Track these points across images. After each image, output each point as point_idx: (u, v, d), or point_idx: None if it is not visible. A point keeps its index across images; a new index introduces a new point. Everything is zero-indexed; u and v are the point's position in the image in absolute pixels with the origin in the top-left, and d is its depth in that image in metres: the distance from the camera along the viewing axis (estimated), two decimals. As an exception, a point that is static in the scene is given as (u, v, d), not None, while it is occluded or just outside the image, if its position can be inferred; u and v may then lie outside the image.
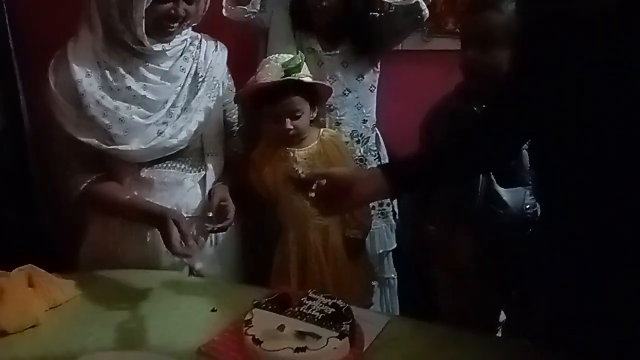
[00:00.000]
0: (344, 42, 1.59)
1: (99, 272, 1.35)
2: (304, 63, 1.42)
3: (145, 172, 1.38)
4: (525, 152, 1.30)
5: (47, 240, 2.21)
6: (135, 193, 1.37)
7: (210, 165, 1.45)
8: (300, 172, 1.30)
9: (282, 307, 1.09)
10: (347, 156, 1.52)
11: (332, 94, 1.52)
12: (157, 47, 1.34)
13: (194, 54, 1.42)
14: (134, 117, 1.33)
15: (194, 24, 1.41)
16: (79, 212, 1.46)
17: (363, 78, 1.63)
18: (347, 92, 1.60)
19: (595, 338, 0.92)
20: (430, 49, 1.73)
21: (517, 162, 1.32)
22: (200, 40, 1.45)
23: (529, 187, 1.35)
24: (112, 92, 1.32)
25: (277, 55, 1.43)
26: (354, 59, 1.60)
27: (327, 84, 1.51)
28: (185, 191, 1.42)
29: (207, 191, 1.44)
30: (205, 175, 1.45)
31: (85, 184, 1.35)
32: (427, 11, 1.53)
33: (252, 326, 1.03)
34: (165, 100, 1.37)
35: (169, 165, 1.40)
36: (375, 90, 1.67)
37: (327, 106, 1.57)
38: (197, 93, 1.40)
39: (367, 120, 1.66)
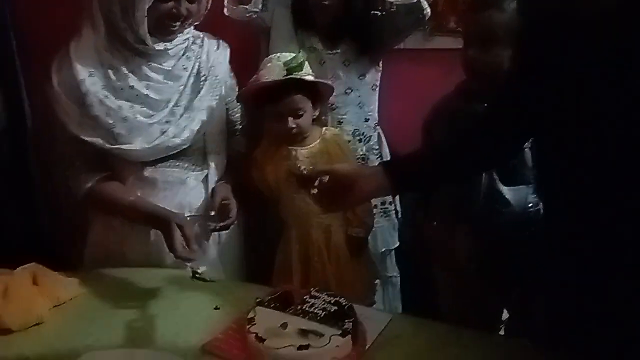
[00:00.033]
0: (345, 41, 1.59)
1: (102, 271, 1.35)
2: (306, 61, 1.42)
3: (148, 171, 1.38)
4: (528, 150, 1.30)
5: (47, 240, 2.22)
6: (139, 192, 1.38)
7: (212, 164, 1.45)
8: (302, 168, 1.32)
9: (284, 305, 1.09)
10: (349, 155, 1.52)
11: (334, 93, 1.52)
12: (160, 46, 1.34)
13: (196, 52, 1.42)
14: (137, 116, 1.33)
15: (196, 23, 1.42)
16: (79, 212, 1.47)
17: (365, 77, 1.63)
18: (348, 90, 1.60)
19: (596, 338, 0.92)
20: (432, 48, 1.73)
21: (520, 161, 1.32)
22: (203, 39, 1.46)
23: (531, 186, 1.35)
24: (115, 91, 1.33)
25: (279, 54, 1.43)
26: (356, 57, 1.60)
27: (329, 82, 1.52)
28: (188, 190, 1.42)
29: (209, 190, 1.45)
30: (208, 174, 1.45)
31: (89, 185, 1.35)
32: (428, 10, 1.53)
33: (255, 324, 1.03)
34: (168, 100, 1.37)
35: (172, 164, 1.41)
36: (377, 89, 1.67)
37: (329, 105, 1.57)
38: (199, 92, 1.40)
39: (369, 119, 1.66)
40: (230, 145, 1.53)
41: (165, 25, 1.32)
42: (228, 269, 1.48)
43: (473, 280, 1.41)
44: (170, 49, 1.37)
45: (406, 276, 1.75)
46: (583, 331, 0.95)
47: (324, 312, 1.06)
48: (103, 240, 1.43)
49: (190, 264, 1.25)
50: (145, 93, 1.34)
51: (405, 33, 1.61)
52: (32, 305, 1.13)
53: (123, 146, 1.32)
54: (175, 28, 1.34)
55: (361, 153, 1.65)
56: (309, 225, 1.45)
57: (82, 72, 1.31)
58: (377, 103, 1.68)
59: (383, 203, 1.66)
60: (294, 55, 1.41)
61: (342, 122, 1.61)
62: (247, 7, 1.53)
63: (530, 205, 1.35)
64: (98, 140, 1.31)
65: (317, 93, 1.45)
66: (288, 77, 1.38)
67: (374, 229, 1.58)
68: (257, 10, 1.55)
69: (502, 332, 1.49)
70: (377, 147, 1.69)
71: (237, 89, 1.52)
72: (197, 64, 1.42)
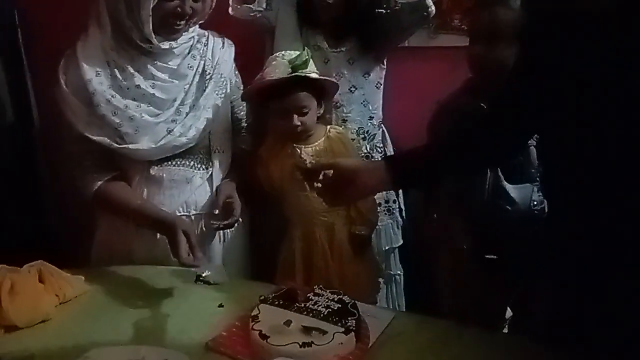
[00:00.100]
0: (350, 39, 1.59)
1: (108, 268, 1.36)
2: (311, 59, 1.42)
3: (154, 170, 1.39)
4: (533, 148, 1.30)
5: (54, 239, 2.23)
6: (145, 190, 1.39)
7: (216, 162, 1.46)
8: (307, 161, 1.34)
9: (288, 302, 1.10)
10: (353, 153, 1.52)
11: (339, 91, 1.52)
12: (165, 45, 1.35)
13: (201, 51, 1.43)
14: (143, 115, 1.34)
15: (200, 22, 1.42)
16: (87, 212, 1.47)
17: (369, 75, 1.62)
18: (353, 89, 1.60)
19: (596, 337, 0.93)
20: (437, 46, 1.72)
21: (525, 159, 1.32)
22: (208, 38, 1.46)
23: (536, 184, 1.35)
24: (121, 90, 1.34)
25: (283, 52, 1.44)
26: (360, 55, 1.60)
27: (334, 80, 1.52)
28: (194, 188, 1.43)
29: (214, 188, 1.45)
30: (212, 172, 1.46)
31: (97, 186, 1.36)
32: (433, 8, 1.52)
33: (259, 321, 1.04)
34: (174, 99, 1.38)
35: (178, 162, 1.41)
36: (382, 87, 1.67)
37: (334, 103, 1.57)
38: (204, 90, 1.41)
39: (373, 117, 1.66)
40: (236, 143, 1.53)
41: (170, 24, 1.33)
42: (232, 267, 1.49)
43: (475, 278, 1.41)
44: (176, 47, 1.37)
45: (410, 274, 1.74)
46: (584, 330, 0.95)
47: (327, 310, 1.06)
48: (110, 239, 1.44)
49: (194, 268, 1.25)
50: (152, 92, 1.35)
51: (410, 31, 1.61)
52: (38, 303, 1.14)
53: (130, 146, 1.33)
54: (180, 27, 1.35)
55: (365, 151, 1.65)
56: (313, 223, 1.45)
57: (89, 72, 1.32)
58: (381, 101, 1.68)
59: (387, 201, 1.66)
60: (299, 53, 1.41)
61: (346, 120, 1.61)
62: (252, 6, 1.53)
63: (534, 203, 1.35)
64: (105, 140, 1.32)
65: (322, 91, 1.46)
66: (293, 74, 1.38)
67: (377, 227, 1.59)
68: (262, 9, 1.55)
69: (505, 331, 1.49)
70: (381, 145, 1.69)
71: (242, 87, 1.53)
72: (203, 62, 1.42)
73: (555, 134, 0.96)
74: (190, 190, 1.42)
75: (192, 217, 1.43)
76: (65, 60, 1.35)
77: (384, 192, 1.64)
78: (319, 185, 1.15)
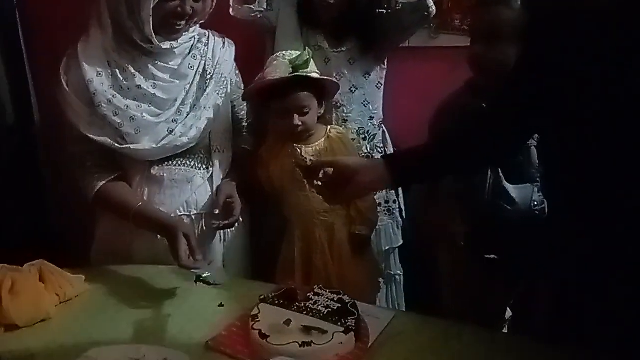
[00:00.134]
0: (350, 39, 1.59)
1: (108, 268, 1.37)
2: (312, 59, 1.42)
3: (155, 170, 1.39)
4: (534, 148, 1.30)
5: (55, 239, 2.23)
6: (146, 190, 1.39)
7: (216, 162, 1.46)
8: (307, 159, 1.34)
9: (288, 302, 1.10)
10: (353, 153, 1.52)
11: (339, 91, 1.52)
12: (165, 45, 1.35)
13: (202, 51, 1.43)
14: (144, 115, 1.34)
15: (201, 22, 1.42)
16: (88, 212, 1.47)
17: (370, 75, 1.62)
18: (353, 89, 1.60)
19: (597, 337, 0.93)
20: (437, 46, 1.72)
21: (525, 159, 1.32)
22: (208, 38, 1.46)
23: (537, 184, 1.35)
24: (122, 91, 1.34)
25: (284, 51, 1.44)
26: (361, 55, 1.59)
27: (335, 79, 1.52)
28: (195, 188, 1.43)
29: (215, 188, 1.45)
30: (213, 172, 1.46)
31: (99, 187, 1.36)
32: (434, 8, 1.52)
33: (259, 321, 1.04)
34: (175, 99, 1.38)
35: (179, 162, 1.41)
36: (382, 87, 1.67)
37: (334, 103, 1.57)
38: (205, 90, 1.41)
39: (373, 117, 1.66)
40: (237, 142, 1.54)
41: (170, 24, 1.33)
42: (233, 267, 1.49)
43: (475, 278, 1.41)
44: (176, 47, 1.38)
45: (410, 275, 1.74)
46: (584, 329, 0.96)
47: (327, 310, 1.07)
48: (110, 238, 1.45)
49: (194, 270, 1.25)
50: (153, 92, 1.36)
51: (411, 31, 1.61)
52: (38, 302, 1.14)
53: (131, 146, 1.33)
54: (180, 27, 1.35)
55: (366, 151, 1.65)
56: (313, 223, 1.45)
57: (90, 72, 1.32)
58: (382, 101, 1.68)
59: (387, 201, 1.66)
60: (300, 53, 1.41)
61: (347, 120, 1.61)
62: (252, 6, 1.54)
63: (535, 203, 1.35)
64: (106, 140, 1.33)
65: (322, 91, 1.46)
66: (294, 74, 1.39)
67: (378, 227, 1.59)
68: (262, 9, 1.55)
69: (505, 330, 1.49)
70: (381, 145, 1.69)
71: (242, 87, 1.53)
72: (203, 62, 1.43)
73: (556, 134, 0.96)
74: (191, 190, 1.43)
75: (193, 216, 1.43)
76: (66, 60, 1.36)
77: (384, 193, 1.65)
78: (319, 183, 1.15)
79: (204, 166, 1.45)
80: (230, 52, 1.49)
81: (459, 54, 1.41)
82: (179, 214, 1.41)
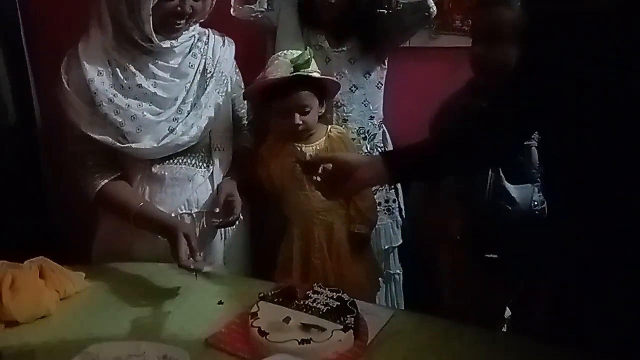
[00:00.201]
0: (351, 39, 1.59)
1: (108, 265, 1.37)
2: (313, 59, 1.43)
3: (156, 168, 1.40)
4: (534, 149, 1.30)
5: (56, 238, 2.23)
6: (147, 188, 1.39)
7: (217, 161, 1.46)
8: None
9: (287, 300, 1.10)
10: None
11: (339, 91, 1.52)
12: (166, 44, 1.36)
13: (202, 50, 1.44)
14: (145, 114, 1.35)
15: (200, 21, 1.43)
16: (89, 211, 1.47)
17: (370, 75, 1.63)
18: (354, 88, 1.61)
19: (596, 337, 0.93)
20: (438, 46, 1.72)
21: (526, 159, 1.32)
22: (208, 36, 1.47)
23: (537, 184, 1.35)
24: (123, 90, 1.34)
25: (285, 51, 1.44)
26: (361, 55, 1.60)
27: (336, 79, 1.52)
28: (196, 187, 1.43)
29: (215, 186, 1.46)
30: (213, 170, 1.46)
31: (100, 186, 1.37)
32: (434, 8, 1.52)
33: (258, 318, 1.04)
34: (176, 97, 1.39)
35: (180, 161, 1.42)
36: (383, 87, 1.67)
37: (334, 102, 1.58)
38: (206, 89, 1.42)
39: (374, 117, 1.66)
40: (237, 141, 1.54)
41: (170, 23, 1.34)
42: (233, 265, 1.50)
43: (475, 278, 1.41)
44: (177, 46, 1.38)
45: (409, 274, 1.74)
46: (584, 330, 0.96)
47: (326, 308, 1.07)
48: (111, 239, 1.45)
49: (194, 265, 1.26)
50: (153, 91, 1.36)
51: (411, 31, 1.61)
52: (39, 298, 1.14)
53: (132, 145, 1.34)
54: (180, 26, 1.35)
55: (366, 151, 1.65)
56: (312, 222, 1.46)
57: (91, 72, 1.33)
58: (382, 101, 1.68)
59: (387, 201, 1.67)
60: (301, 52, 1.42)
61: (347, 119, 1.61)
62: (253, 6, 1.54)
63: (535, 203, 1.35)
64: (108, 139, 1.33)
65: (323, 90, 1.46)
66: (295, 73, 1.39)
67: (377, 227, 1.59)
68: (263, 9, 1.56)
69: (504, 329, 1.49)
70: (381, 145, 1.69)
71: (242, 85, 1.54)
72: (204, 60, 1.43)
73: (556, 134, 0.97)
74: (192, 189, 1.43)
75: (194, 215, 1.43)
76: (67, 60, 1.36)
77: (384, 192, 1.65)
78: (318, 178, 1.16)
79: (205, 164, 1.45)
80: (230, 50, 1.49)
81: (459, 55, 1.41)
82: (180, 212, 1.42)
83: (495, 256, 1.38)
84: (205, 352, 1.02)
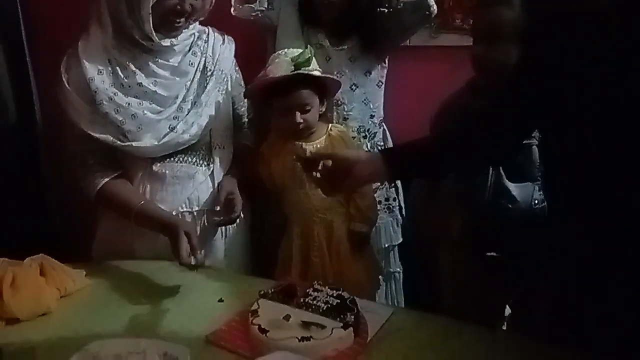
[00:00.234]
0: (351, 38, 1.60)
1: (109, 263, 1.38)
2: (314, 57, 1.43)
3: (157, 167, 1.40)
4: (535, 147, 1.30)
5: (57, 236, 2.23)
6: (148, 187, 1.40)
7: (217, 159, 1.47)
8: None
9: (288, 297, 1.11)
10: (354, 152, 1.53)
11: (340, 89, 1.52)
12: (166, 43, 1.36)
13: (202, 48, 1.44)
14: (146, 112, 1.35)
15: (200, 19, 1.43)
16: (89, 209, 1.48)
17: (370, 73, 1.63)
18: (354, 87, 1.61)
19: (596, 337, 0.93)
20: (438, 45, 1.72)
21: (526, 158, 1.32)
22: (208, 34, 1.47)
23: (538, 183, 1.35)
24: (123, 88, 1.34)
25: (286, 49, 1.45)
26: (362, 54, 1.60)
27: (336, 77, 1.52)
28: (196, 185, 1.44)
29: (216, 184, 1.46)
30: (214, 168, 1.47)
31: (100, 185, 1.37)
32: (435, 7, 1.53)
33: (258, 316, 1.05)
34: (176, 96, 1.39)
35: (181, 159, 1.42)
36: (383, 85, 1.67)
37: (335, 101, 1.58)
38: (206, 87, 1.42)
39: (374, 116, 1.66)
40: (237, 139, 1.54)
41: (170, 22, 1.34)
42: (234, 262, 1.50)
43: (475, 277, 1.41)
44: (176, 44, 1.38)
45: (409, 272, 1.74)
46: (584, 330, 0.96)
47: (326, 305, 1.07)
48: (112, 236, 1.45)
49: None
50: (153, 89, 1.36)
51: (412, 30, 1.61)
52: (39, 296, 1.15)
53: (133, 143, 1.34)
54: (179, 24, 1.35)
55: (366, 149, 1.65)
56: (312, 221, 1.46)
57: (91, 71, 1.33)
58: (382, 100, 1.68)
59: (387, 199, 1.67)
60: (302, 50, 1.42)
61: (347, 118, 1.61)
62: (253, 6, 1.54)
63: (536, 202, 1.35)
64: (108, 138, 1.33)
65: (324, 88, 1.47)
66: (296, 72, 1.39)
67: (377, 225, 1.59)
68: (263, 8, 1.56)
69: (504, 328, 1.49)
70: (382, 143, 1.69)
71: (242, 83, 1.54)
72: (204, 59, 1.43)
73: (556, 134, 0.97)
74: (193, 187, 1.43)
75: (195, 213, 1.44)
76: (67, 59, 1.36)
77: (384, 191, 1.65)
78: (318, 175, 1.16)
79: (205, 163, 1.46)
80: (230, 48, 1.50)
81: (459, 54, 1.41)
82: (181, 210, 1.42)
83: (496, 254, 1.38)
84: (205, 349, 1.03)
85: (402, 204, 1.72)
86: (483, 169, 1.32)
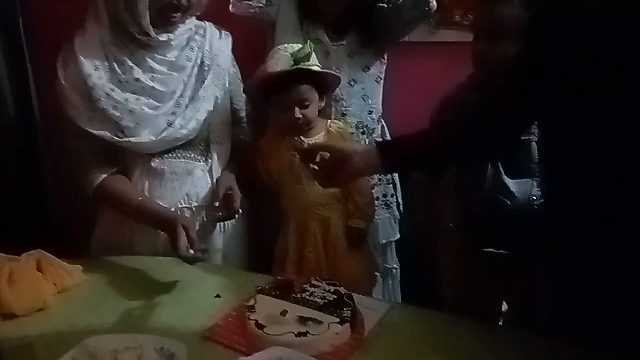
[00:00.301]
0: (350, 33, 1.59)
1: (106, 258, 1.38)
2: (313, 52, 1.42)
3: (155, 163, 1.40)
4: (534, 144, 1.30)
5: (55, 232, 2.24)
6: (147, 183, 1.40)
7: (215, 154, 1.47)
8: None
9: (285, 293, 1.11)
10: (352, 148, 1.53)
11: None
12: (163, 37, 1.36)
13: (199, 43, 1.44)
14: (143, 108, 1.35)
15: (197, 14, 1.42)
16: (88, 205, 1.48)
17: (369, 69, 1.62)
18: (353, 82, 1.60)
19: (596, 332, 0.93)
20: (437, 41, 1.72)
21: (525, 154, 1.32)
22: (205, 29, 1.47)
23: (536, 179, 1.35)
24: (121, 84, 1.34)
25: (286, 44, 1.44)
26: (361, 49, 1.59)
27: (336, 73, 1.52)
28: (195, 180, 1.44)
29: (214, 180, 1.46)
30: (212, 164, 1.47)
31: (99, 181, 1.37)
32: (434, 2, 1.52)
33: (255, 311, 1.05)
34: (173, 91, 1.38)
35: (179, 154, 1.42)
36: (382, 81, 1.66)
37: (333, 97, 1.57)
38: (204, 82, 1.42)
39: (372, 112, 1.65)
40: (235, 134, 1.54)
41: (166, 16, 1.33)
42: (233, 257, 1.50)
43: (473, 272, 1.41)
44: (174, 39, 1.38)
45: (406, 268, 1.74)
46: (583, 325, 0.96)
47: (323, 301, 1.08)
48: (111, 232, 1.45)
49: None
50: (151, 85, 1.36)
51: (411, 26, 1.61)
52: (36, 291, 1.15)
53: (131, 139, 1.34)
54: (175, 19, 1.35)
55: (364, 145, 1.65)
56: (309, 217, 1.46)
57: (88, 67, 1.33)
58: (381, 95, 1.68)
59: (385, 195, 1.66)
60: (301, 46, 1.41)
61: (346, 114, 1.60)
62: (251, 2, 1.54)
63: (534, 197, 1.35)
64: (106, 134, 1.33)
65: (323, 84, 1.46)
66: (295, 67, 1.39)
67: (375, 221, 1.58)
68: (262, 5, 1.55)
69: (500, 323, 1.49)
70: (380, 139, 1.69)
71: (240, 78, 1.54)
72: (201, 54, 1.43)
73: (555, 130, 0.96)
74: (191, 182, 1.43)
75: (194, 209, 1.44)
76: (63, 55, 1.36)
77: (382, 187, 1.65)
78: (315, 167, 1.16)
79: (204, 158, 1.46)
80: (227, 42, 1.49)
81: (458, 49, 1.41)
82: (180, 206, 1.42)
83: (494, 250, 1.38)
84: (202, 344, 1.03)
85: (400, 200, 1.71)
86: (480, 163, 1.32)
